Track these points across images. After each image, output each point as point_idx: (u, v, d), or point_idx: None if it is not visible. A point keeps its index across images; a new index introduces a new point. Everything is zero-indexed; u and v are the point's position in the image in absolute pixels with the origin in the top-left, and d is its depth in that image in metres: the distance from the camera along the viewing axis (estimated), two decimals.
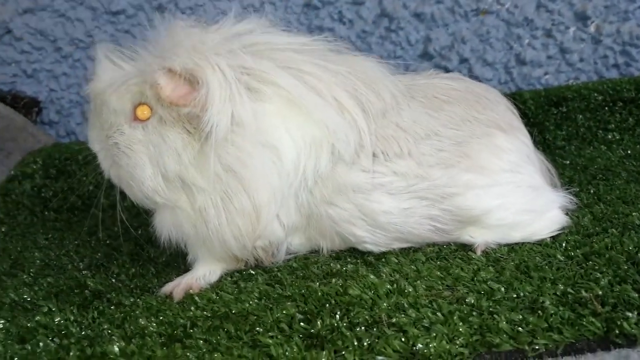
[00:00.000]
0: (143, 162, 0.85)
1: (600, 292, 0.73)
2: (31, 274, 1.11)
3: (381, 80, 0.89)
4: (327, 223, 0.89)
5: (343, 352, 0.67)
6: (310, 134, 0.84)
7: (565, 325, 0.68)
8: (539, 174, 0.93)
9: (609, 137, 1.58)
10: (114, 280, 1.03)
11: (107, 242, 1.27)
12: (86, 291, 0.98)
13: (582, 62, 2.02)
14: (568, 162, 1.41)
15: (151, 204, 0.91)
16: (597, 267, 0.80)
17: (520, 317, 0.70)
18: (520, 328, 0.68)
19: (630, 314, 0.68)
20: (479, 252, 0.89)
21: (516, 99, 1.80)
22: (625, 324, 0.66)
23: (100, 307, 0.90)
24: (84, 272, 1.09)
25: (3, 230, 1.47)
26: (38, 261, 1.19)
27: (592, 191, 1.15)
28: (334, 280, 0.85)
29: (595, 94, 1.68)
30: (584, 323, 0.68)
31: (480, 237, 0.90)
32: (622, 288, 0.73)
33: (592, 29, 2.00)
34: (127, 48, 0.94)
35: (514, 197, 0.88)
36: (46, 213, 1.60)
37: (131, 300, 0.92)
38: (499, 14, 2.01)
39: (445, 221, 0.88)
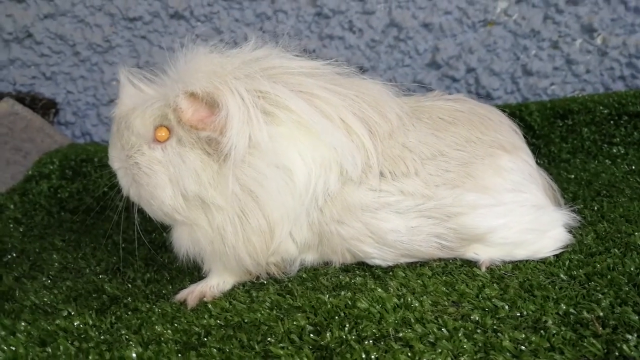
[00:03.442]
0: (164, 182, 0.89)
1: (601, 314, 0.76)
2: (50, 277, 1.15)
3: (387, 103, 0.92)
4: (337, 240, 0.92)
5: None
6: (320, 155, 0.88)
7: (567, 345, 0.71)
8: (542, 192, 0.96)
9: (614, 151, 1.60)
10: (130, 286, 1.07)
11: (123, 245, 1.31)
12: (104, 296, 1.02)
13: (588, 73, 2.04)
14: (573, 176, 1.43)
15: (170, 221, 0.95)
16: (598, 288, 0.83)
17: (523, 336, 0.73)
18: (523, 347, 0.71)
19: (630, 337, 0.70)
20: (483, 269, 0.92)
21: (522, 110, 1.83)
22: (625, 347, 0.69)
23: (118, 312, 0.94)
24: (100, 276, 1.13)
25: (21, 230, 1.51)
26: (56, 264, 1.23)
27: (595, 208, 1.17)
28: (343, 292, 0.88)
29: (601, 107, 1.70)
30: (585, 344, 0.70)
31: (485, 255, 0.93)
32: (623, 310, 0.76)
33: (598, 41, 2.02)
34: (148, 71, 0.98)
35: (518, 216, 0.91)
36: (62, 214, 1.64)
37: (147, 306, 0.96)
38: (506, 25, 2.04)
39: (451, 239, 0.92)
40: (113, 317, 0.92)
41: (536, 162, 1.60)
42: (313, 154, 0.88)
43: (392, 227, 0.90)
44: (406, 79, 2.14)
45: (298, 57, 0.97)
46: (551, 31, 2.03)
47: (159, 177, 0.89)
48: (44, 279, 1.15)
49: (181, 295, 0.97)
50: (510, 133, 0.98)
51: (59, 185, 1.73)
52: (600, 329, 0.73)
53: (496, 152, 0.93)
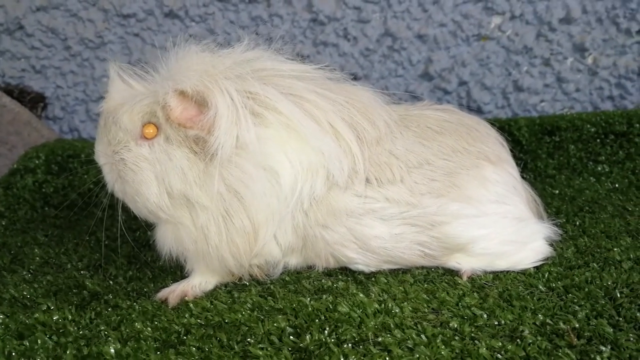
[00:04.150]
0: (149, 179, 0.89)
1: (577, 325, 0.77)
2: (31, 271, 1.14)
3: (376, 110, 0.93)
4: (321, 245, 0.93)
5: None
6: (307, 159, 0.89)
7: (542, 355, 0.72)
8: (524, 205, 0.98)
9: (599, 169, 1.62)
10: (111, 282, 1.07)
11: (106, 242, 1.30)
12: (84, 291, 1.02)
13: (578, 92, 2.07)
14: (557, 191, 1.46)
15: (154, 219, 0.95)
16: (575, 300, 0.84)
17: (500, 344, 0.74)
18: (499, 355, 0.72)
19: (604, 348, 0.72)
20: (464, 278, 0.93)
21: (511, 125, 1.86)
22: (598, 358, 0.70)
23: (98, 308, 0.94)
24: (82, 272, 1.12)
25: (3, 224, 1.49)
26: (37, 258, 1.22)
27: (577, 223, 1.19)
28: (324, 296, 0.88)
29: (589, 125, 1.73)
30: (560, 354, 0.71)
31: (467, 264, 0.94)
32: (598, 322, 0.77)
33: (589, 60, 2.06)
34: (139, 68, 0.98)
35: (499, 227, 0.93)
36: (46, 209, 1.62)
37: (128, 303, 0.95)
38: (499, 41, 2.07)
39: (434, 247, 0.92)
40: (93, 313, 0.92)
41: (522, 176, 1.63)
42: (300, 157, 0.89)
43: (376, 234, 0.91)
44: (398, 89, 2.16)
45: (290, 60, 0.98)
46: (543, 49, 2.06)
47: (144, 174, 0.89)
48: (24, 272, 1.14)
49: (163, 293, 0.97)
50: (496, 145, 0.99)
51: (44, 180, 1.71)
52: (575, 339, 0.74)
53: (482, 163, 0.94)
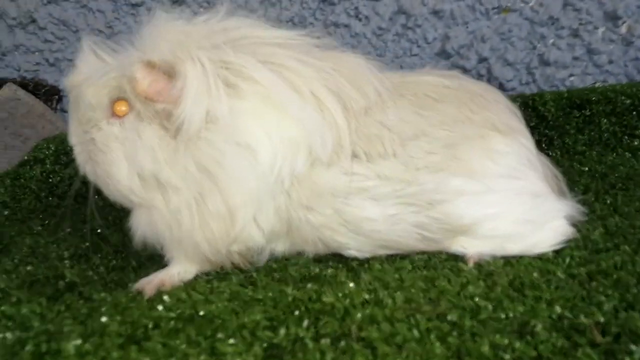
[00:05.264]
0: (119, 159, 0.81)
1: (602, 319, 0.64)
2: (15, 261, 1.09)
3: (366, 77, 0.83)
4: (307, 228, 0.83)
5: None
6: (287, 133, 0.79)
7: (557, 355, 0.60)
8: (542, 179, 0.85)
9: (635, 143, 1.46)
10: (91, 273, 1.00)
11: (99, 231, 1.24)
12: (61, 282, 0.95)
13: (611, 64, 1.89)
14: (586, 168, 1.31)
15: (127, 203, 0.87)
16: (601, 289, 0.72)
17: (507, 341, 0.63)
18: (505, 354, 0.61)
19: (634, 348, 0.59)
20: (470, 264, 0.82)
21: (536, 100, 1.71)
22: (627, 359, 0.58)
23: (69, 300, 0.87)
24: (65, 261, 1.07)
25: (5, 214, 1.46)
26: (26, 248, 1.17)
27: (608, 201, 1.05)
28: (309, 285, 0.79)
29: (623, 97, 1.56)
30: (579, 355, 0.59)
31: (473, 248, 0.83)
32: (629, 315, 0.64)
33: (623, 29, 1.87)
34: (115, 42, 0.91)
35: (511, 205, 0.81)
36: (50, 199, 1.59)
37: (102, 295, 0.88)
38: (522, 12, 1.91)
39: (434, 230, 0.81)
40: (63, 306, 0.85)
41: (547, 153, 1.47)
42: (279, 131, 0.79)
43: (368, 215, 0.80)
44: (414, 69, 2.03)
45: (273, 27, 0.89)
46: (571, 19, 1.89)
47: (114, 155, 0.82)
48: (8, 262, 1.09)
49: (140, 284, 0.89)
50: (506, 113, 0.87)
51: (51, 170, 1.68)
52: (600, 336, 0.62)
53: (488, 132, 0.82)
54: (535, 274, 0.77)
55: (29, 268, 1.03)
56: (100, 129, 0.84)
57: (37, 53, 2.19)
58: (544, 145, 1.52)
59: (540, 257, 0.83)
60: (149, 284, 0.88)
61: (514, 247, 0.82)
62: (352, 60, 0.86)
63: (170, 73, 0.80)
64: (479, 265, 0.82)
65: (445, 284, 0.76)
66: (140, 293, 0.88)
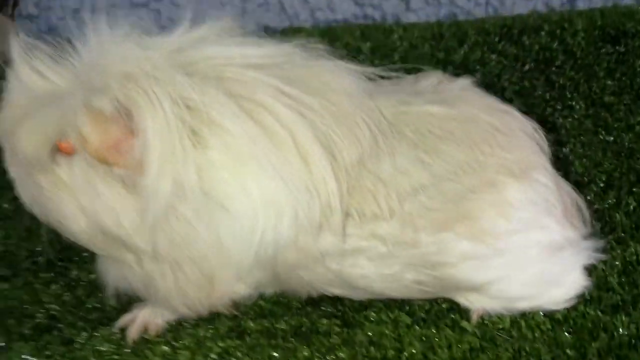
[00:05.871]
0: (74, 213, 0.70)
1: None
2: None
3: (359, 114, 0.68)
4: (297, 281, 0.76)
5: None
6: (268, 190, 0.67)
7: None
8: (560, 220, 0.74)
9: None
10: (68, 296, 0.88)
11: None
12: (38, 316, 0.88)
13: None
14: (612, 138, 1.16)
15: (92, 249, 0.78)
16: None
17: None
18: None
19: None
20: (474, 318, 0.76)
21: (565, 29, 1.49)
22: None
23: (52, 344, 0.81)
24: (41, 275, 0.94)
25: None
26: None
27: (631, 207, 0.93)
28: (298, 346, 0.75)
29: None
30: None
31: (478, 303, 0.76)
32: None
33: None
34: (57, 43, 0.72)
35: (522, 265, 0.72)
36: None
37: (84, 335, 0.81)
38: None
39: (436, 287, 0.74)
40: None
41: (569, 104, 1.29)
42: (259, 187, 0.68)
43: (364, 273, 0.73)
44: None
45: (247, 40, 0.72)
46: None
47: (66, 207, 0.69)
48: None
49: (123, 321, 0.84)
50: (524, 147, 0.73)
51: None
52: None
53: (502, 180, 0.70)
54: (542, 349, 0.70)
55: None
56: (45, 171, 0.69)
57: None
58: (568, 94, 1.34)
59: (551, 317, 0.75)
60: (133, 323, 0.83)
61: (524, 305, 0.75)
62: (342, 87, 0.71)
63: (124, 116, 0.66)
64: (482, 322, 0.76)
65: (445, 351, 0.71)
66: (124, 332, 0.83)
